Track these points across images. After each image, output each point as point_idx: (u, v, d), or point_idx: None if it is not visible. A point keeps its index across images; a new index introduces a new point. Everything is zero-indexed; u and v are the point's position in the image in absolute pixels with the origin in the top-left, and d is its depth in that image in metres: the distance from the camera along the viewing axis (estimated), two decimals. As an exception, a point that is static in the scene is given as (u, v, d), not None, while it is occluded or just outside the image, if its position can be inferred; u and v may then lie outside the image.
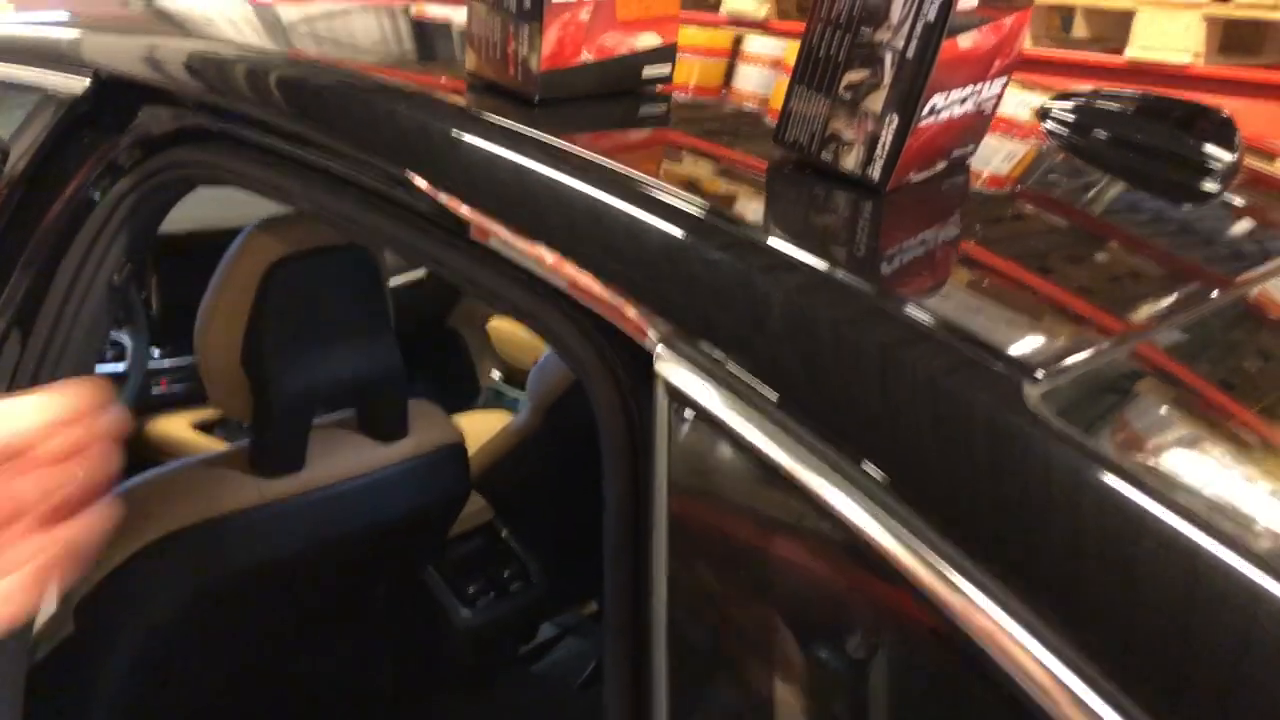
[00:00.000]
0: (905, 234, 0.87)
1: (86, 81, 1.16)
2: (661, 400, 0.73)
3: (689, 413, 0.71)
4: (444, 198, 0.85)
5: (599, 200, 0.82)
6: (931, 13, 0.80)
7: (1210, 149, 1.07)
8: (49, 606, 1.39)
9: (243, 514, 1.33)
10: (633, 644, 0.75)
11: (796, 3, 3.53)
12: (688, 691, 0.72)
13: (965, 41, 0.84)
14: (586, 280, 0.78)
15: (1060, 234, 0.94)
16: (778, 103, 0.92)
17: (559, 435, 1.97)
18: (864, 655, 0.67)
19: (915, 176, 0.91)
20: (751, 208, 0.89)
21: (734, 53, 1.51)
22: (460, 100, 0.99)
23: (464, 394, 2.97)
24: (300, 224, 1.35)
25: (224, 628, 1.42)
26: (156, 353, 2.37)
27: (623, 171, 0.83)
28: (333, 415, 1.51)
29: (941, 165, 0.95)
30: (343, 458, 1.45)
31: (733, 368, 0.70)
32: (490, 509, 2.02)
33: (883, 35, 0.83)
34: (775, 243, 0.76)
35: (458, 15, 1.34)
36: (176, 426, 2.38)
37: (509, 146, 0.88)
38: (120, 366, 2.21)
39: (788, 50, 1.43)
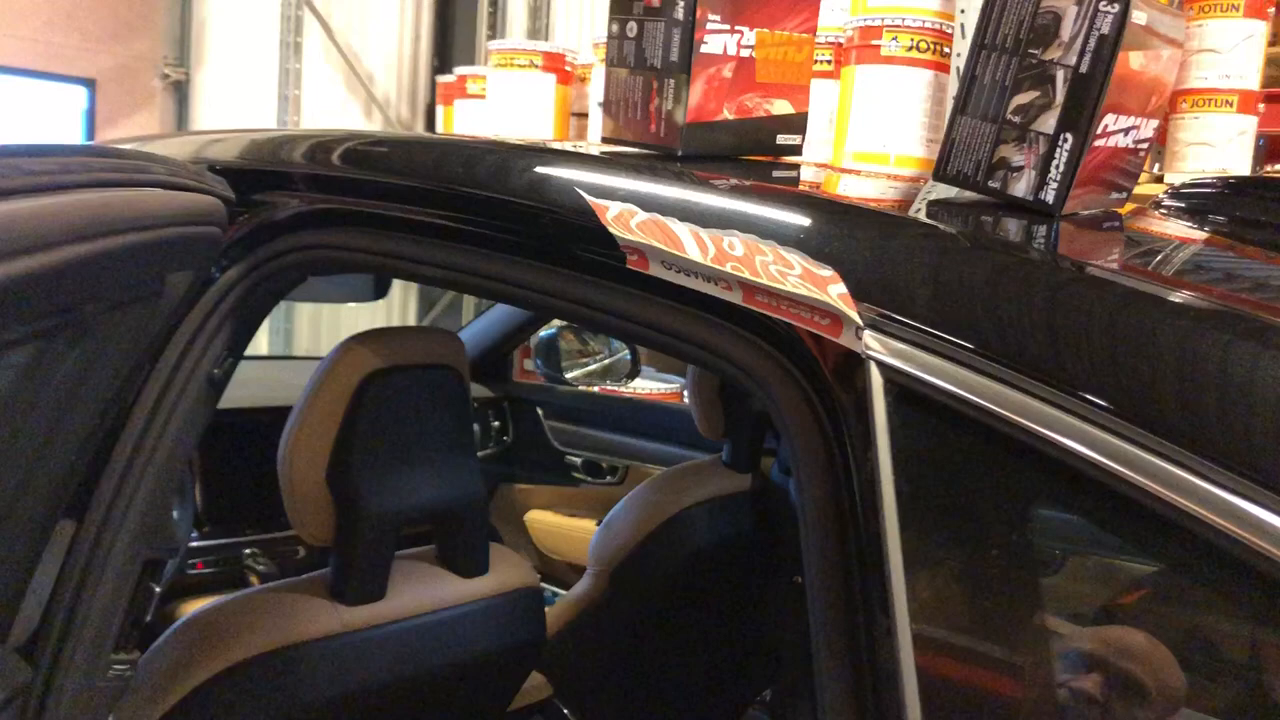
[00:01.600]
0: (1106, 243, 0.84)
1: None
2: (877, 387, 0.67)
3: (913, 396, 0.66)
4: (610, 218, 0.82)
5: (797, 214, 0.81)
6: (1105, 25, 0.80)
7: None
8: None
9: (322, 642, 1.22)
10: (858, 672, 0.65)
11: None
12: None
13: (1134, 61, 0.84)
14: (772, 280, 0.74)
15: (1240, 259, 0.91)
16: None
17: (626, 601, 1.85)
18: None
19: (1081, 213, 0.89)
20: (943, 211, 0.89)
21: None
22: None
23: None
24: (395, 338, 1.31)
25: None
26: (195, 534, 2.28)
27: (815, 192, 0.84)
28: (411, 550, 1.42)
29: (1098, 210, 0.93)
30: (425, 589, 1.35)
31: (960, 342, 0.65)
32: (548, 685, 1.88)
33: (1053, 54, 0.83)
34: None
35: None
36: None
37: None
38: (163, 537, 2.11)
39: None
